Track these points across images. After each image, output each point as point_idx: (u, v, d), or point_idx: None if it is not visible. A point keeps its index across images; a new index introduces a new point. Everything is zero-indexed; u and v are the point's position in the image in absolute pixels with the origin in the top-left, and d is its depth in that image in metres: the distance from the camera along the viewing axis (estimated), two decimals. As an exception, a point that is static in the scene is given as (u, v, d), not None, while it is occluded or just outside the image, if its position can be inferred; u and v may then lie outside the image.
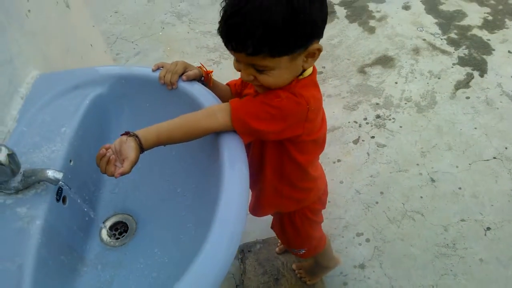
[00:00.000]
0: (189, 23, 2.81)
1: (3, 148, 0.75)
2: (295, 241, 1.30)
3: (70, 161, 0.88)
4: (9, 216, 0.77)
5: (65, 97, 0.97)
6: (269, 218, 1.39)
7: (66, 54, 1.21)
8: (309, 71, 0.88)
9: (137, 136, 0.79)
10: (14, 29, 0.99)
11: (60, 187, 0.82)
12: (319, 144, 0.99)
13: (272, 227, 1.37)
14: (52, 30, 1.15)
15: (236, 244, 0.73)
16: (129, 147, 0.77)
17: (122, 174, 0.76)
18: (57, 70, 1.08)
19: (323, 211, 1.25)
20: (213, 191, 0.79)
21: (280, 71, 0.80)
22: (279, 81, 0.83)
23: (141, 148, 0.79)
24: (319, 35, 0.81)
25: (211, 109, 0.86)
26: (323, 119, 0.96)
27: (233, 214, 0.74)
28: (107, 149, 0.77)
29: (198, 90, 0.95)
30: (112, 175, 0.76)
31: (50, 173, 0.77)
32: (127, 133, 0.80)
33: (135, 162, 0.77)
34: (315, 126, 0.91)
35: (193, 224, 0.87)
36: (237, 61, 0.83)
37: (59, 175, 0.77)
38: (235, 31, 0.76)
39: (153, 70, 0.99)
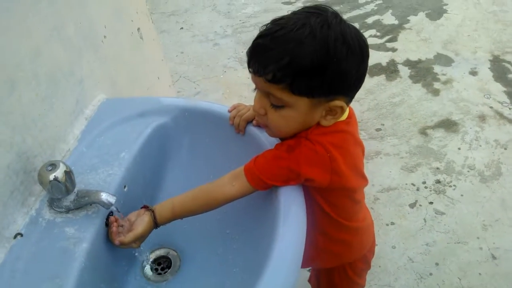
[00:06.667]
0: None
1: (61, 164, 0.74)
2: None
3: (125, 186, 0.86)
4: (57, 234, 0.75)
5: (128, 123, 0.97)
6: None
7: (134, 83, 1.23)
8: (343, 116, 0.80)
9: (153, 211, 0.80)
10: (89, 52, 1.02)
11: (111, 212, 0.79)
12: (349, 196, 0.88)
13: (309, 281, 1.28)
14: (123, 58, 1.18)
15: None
16: (141, 221, 0.79)
17: (121, 243, 0.77)
18: (123, 97, 1.10)
19: (370, 276, 1.14)
20: (266, 237, 0.74)
21: (294, 113, 0.73)
22: (288, 126, 0.77)
23: (156, 224, 0.80)
24: (347, 93, 0.75)
25: (226, 177, 0.81)
26: (360, 172, 0.87)
27: (286, 266, 0.68)
28: (116, 221, 0.80)
29: (265, 134, 0.90)
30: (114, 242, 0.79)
31: (104, 196, 0.75)
32: (145, 207, 0.82)
33: (140, 236, 0.79)
34: (346, 180, 0.81)
35: (240, 270, 0.81)
36: (254, 89, 0.77)
37: (113, 199, 0.75)
38: (260, 51, 0.71)
39: (229, 111, 0.95)
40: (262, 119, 0.79)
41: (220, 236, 0.91)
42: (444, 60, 2.79)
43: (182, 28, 3.45)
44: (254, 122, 0.92)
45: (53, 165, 0.74)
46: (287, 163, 0.76)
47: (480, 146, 2.17)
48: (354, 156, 0.83)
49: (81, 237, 0.74)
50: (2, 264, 0.71)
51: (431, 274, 1.64)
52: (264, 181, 0.77)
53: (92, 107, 1.01)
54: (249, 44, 0.75)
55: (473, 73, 2.66)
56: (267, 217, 0.78)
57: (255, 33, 0.76)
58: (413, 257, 1.70)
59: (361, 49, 0.72)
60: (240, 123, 0.92)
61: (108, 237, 0.79)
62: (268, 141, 0.87)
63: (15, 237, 0.75)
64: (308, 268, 1.28)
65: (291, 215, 0.74)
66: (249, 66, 0.74)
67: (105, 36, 1.09)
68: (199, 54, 3.10)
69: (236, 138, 0.94)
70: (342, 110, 0.75)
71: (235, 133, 0.94)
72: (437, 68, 2.72)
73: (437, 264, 1.67)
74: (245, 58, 0.77)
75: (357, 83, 0.75)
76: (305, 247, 0.94)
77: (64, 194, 0.76)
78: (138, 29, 1.28)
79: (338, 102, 0.73)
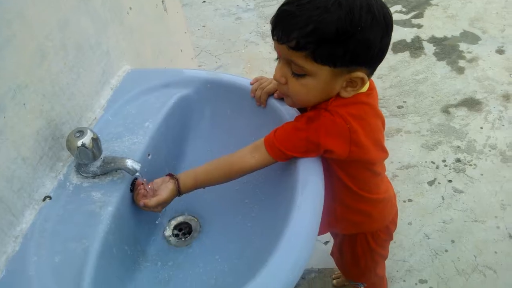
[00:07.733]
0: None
1: (89, 131, 0.77)
2: (353, 270, 1.21)
3: (148, 154, 0.89)
4: (84, 198, 0.79)
5: (152, 93, 0.99)
6: (329, 247, 1.33)
7: (157, 55, 1.25)
8: (364, 88, 0.80)
9: (177, 180, 0.82)
10: (115, 23, 1.04)
11: (136, 178, 0.83)
12: (369, 168, 0.89)
13: (331, 254, 1.31)
14: (148, 30, 1.20)
15: (301, 266, 0.69)
16: (166, 188, 0.82)
17: (145, 205, 0.80)
18: (147, 68, 1.12)
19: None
20: (284, 206, 0.77)
21: (315, 81, 0.74)
22: (308, 95, 0.78)
23: (179, 192, 0.83)
24: (369, 64, 0.75)
25: (247, 148, 0.83)
26: (380, 145, 0.88)
27: (303, 234, 0.71)
28: (141, 184, 0.82)
29: (286, 107, 0.91)
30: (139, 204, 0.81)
31: (129, 163, 0.78)
32: (170, 175, 0.84)
33: (164, 202, 0.81)
34: (366, 152, 0.82)
35: (258, 237, 0.84)
36: (277, 58, 0.79)
37: (138, 166, 0.78)
38: (285, 18, 0.72)
39: (251, 84, 0.96)
40: (283, 88, 0.80)
41: (239, 205, 0.94)
42: (471, 37, 2.73)
43: (204, 1, 3.44)
44: (275, 95, 0.93)
45: (81, 132, 0.77)
46: (307, 134, 0.77)
47: (503, 126, 2.14)
48: (374, 128, 0.84)
49: (106, 201, 0.78)
50: (32, 225, 0.75)
51: (446, 250, 1.65)
52: (284, 152, 0.79)
53: (117, 78, 1.03)
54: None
55: (500, 51, 2.59)
56: (286, 187, 0.81)
57: (277, 7, 0.76)
58: (429, 233, 1.71)
59: (385, 20, 0.72)
60: (261, 96, 0.93)
61: (132, 202, 0.83)
62: (288, 114, 0.89)
63: (44, 199, 0.79)
64: (324, 241, 1.31)
65: (309, 184, 0.76)
66: (273, 34, 0.75)
67: (130, 8, 1.11)
68: (221, 28, 3.09)
69: (257, 110, 0.95)
70: (363, 82, 0.76)
71: (256, 106, 0.95)
72: (463, 46, 2.66)
73: (453, 241, 1.68)
74: (267, 33, 0.78)
75: (380, 55, 0.75)
76: (323, 215, 0.97)
77: (91, 160, 0.79)
78: (163, 1, 1.29)
79: (359, 74, 0.74)
